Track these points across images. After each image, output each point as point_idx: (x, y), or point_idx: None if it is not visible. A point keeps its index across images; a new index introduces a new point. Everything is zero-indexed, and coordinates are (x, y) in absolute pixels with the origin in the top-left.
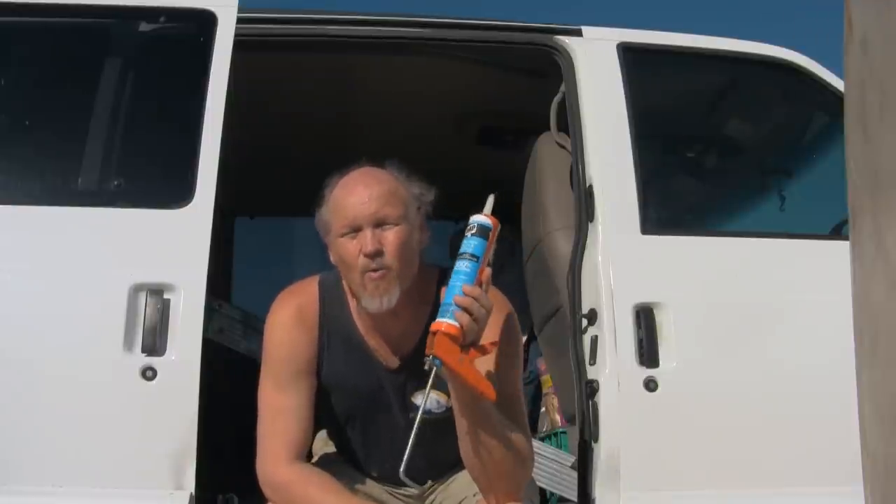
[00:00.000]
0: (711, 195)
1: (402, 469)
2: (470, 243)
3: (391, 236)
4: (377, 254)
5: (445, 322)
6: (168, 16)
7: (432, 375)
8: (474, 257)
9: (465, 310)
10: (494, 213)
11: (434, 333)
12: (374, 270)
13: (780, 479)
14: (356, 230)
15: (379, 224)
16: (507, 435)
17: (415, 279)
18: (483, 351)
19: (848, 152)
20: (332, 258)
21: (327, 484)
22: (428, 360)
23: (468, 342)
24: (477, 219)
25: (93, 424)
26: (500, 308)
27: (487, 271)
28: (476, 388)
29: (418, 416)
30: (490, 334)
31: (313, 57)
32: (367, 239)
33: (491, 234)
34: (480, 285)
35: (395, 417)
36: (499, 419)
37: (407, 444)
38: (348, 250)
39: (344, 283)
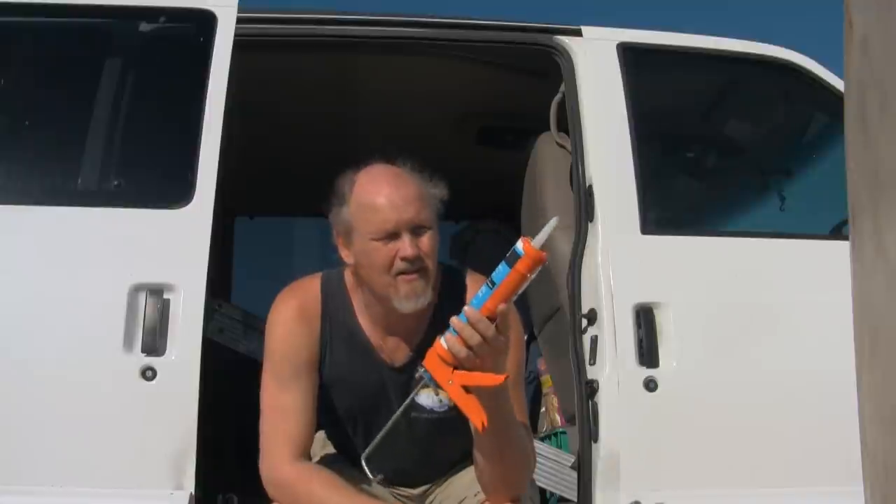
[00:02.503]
0: (711, 195)
1: (364, 454)
2: (498, 269)
3: (427, 240)
4: (416, 258)
5: (440, 341)
6: (168, 16)
7: (420, 385)
8: (491, 283)
9: (458, 333)
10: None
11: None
12: (409, 272)
13: (781, 479)
14: (393, 235)
15: (416, 228)
16: (518, 441)
17: None
18: (472, 379)
19: (848, 152)
20: (349, 258)
21: (330, 481)
22: (420, 370)
23: (462, 365)
24: (517, 244)
25: (93, 424)
26: (513, 333)
27: (501, 307)
28: (464, 411)
29: (400, 410)
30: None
31: (313, 57)
32: (407, 244)
33: (519, 263)
34: (493, 314)
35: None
36: (513, 426)
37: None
38: (382, 254)
39: (347, 281)
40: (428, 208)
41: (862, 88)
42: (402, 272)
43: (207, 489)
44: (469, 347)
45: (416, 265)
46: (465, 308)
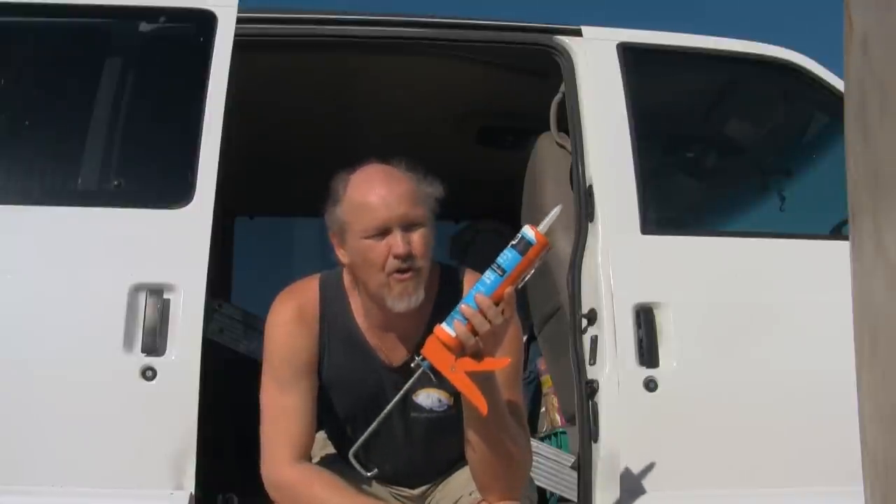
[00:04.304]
0: (711, 195)
1: (352, 451)
2: (505, 255)
3: (418, 237)
4: (408, 255)
5: (445, 329)
6: (168, 16)
7: (416, 375)
8: (501, 270)
9: (468, 320)
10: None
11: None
12: (402, 271)
13: (781, 479)
14: (384, 232)
15: (408, 226)
16: (512, 437)
17: None
18: (477, 365)
19: (848, 152)
20: (345, 258)
21: (332, 482)
22: (417, 359)
23: (466, 353)
24: (525, 231)
25: (93, 424)
26: (512, 332)
27: (509, 290)
28: (467, 399)
29: (392, 403)
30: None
31: (313, 57)
32: (398, 240)
33: (531, 250)
34: (501, 300)
35: (394, 417)
36: (507, 420)
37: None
38: (375, 252)
39: (345, 281)
40: (420, 206)
41: (862, 88)
42: (395, 270)
43: (207, 489)
44: (476, 334)
45: (408, 263)
46: (476, 295)
